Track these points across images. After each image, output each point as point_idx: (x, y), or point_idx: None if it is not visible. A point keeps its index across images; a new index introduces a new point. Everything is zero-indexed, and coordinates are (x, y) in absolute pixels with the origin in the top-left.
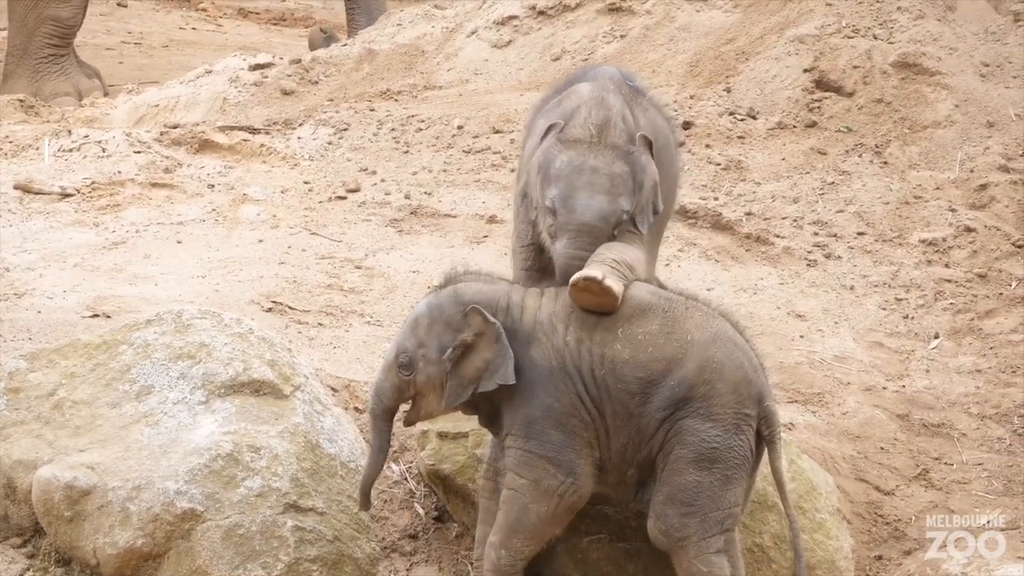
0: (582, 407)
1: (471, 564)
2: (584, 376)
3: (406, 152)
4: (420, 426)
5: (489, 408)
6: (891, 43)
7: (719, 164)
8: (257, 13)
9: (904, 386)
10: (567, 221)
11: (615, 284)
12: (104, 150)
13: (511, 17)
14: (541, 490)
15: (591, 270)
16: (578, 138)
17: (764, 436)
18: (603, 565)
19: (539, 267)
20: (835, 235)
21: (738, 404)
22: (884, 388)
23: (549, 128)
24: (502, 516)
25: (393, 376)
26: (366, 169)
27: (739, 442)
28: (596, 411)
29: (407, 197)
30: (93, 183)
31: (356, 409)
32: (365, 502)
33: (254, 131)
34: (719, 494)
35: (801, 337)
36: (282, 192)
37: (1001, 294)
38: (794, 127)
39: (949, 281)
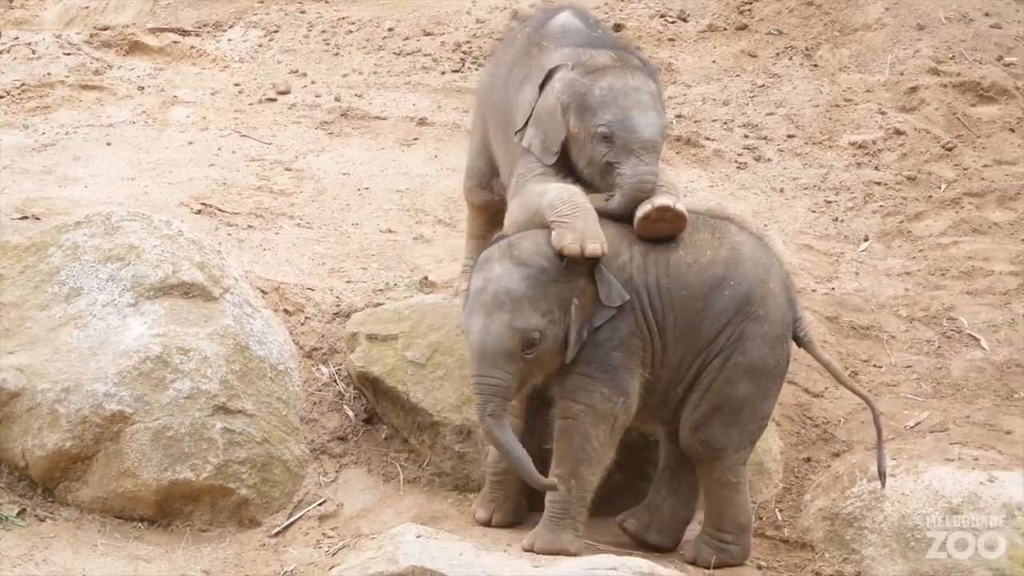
0: (644, 323)
1: (400, 466)
2: (650, 288)
3: (336, 54)
4: (350, 328)
5: None
6: None
7: None
8: None
9: (833, 288)
10: (630, 141)
11: (683, 207)
12: (34, 52)
13: None
14: (598, 414)
15: (660, 199)
16: (605, 65)
17: (801, 339)
18: None
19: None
20: (765, 138)
21: (786, 306)
22: (813, 290)
23: (551, 72)
24: (565, 447)
25: (515, 363)
26: (296, 71)
27: (784, 350)
28: (656, 326)
29: (337, 99)
30: (23, 85)
31: (285, 311)
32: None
33: (184, 33)
34: (759, 407)
35: None
36: (212, 94)
37: (931, 197)
38: (725, 30)
39: (879, 184)
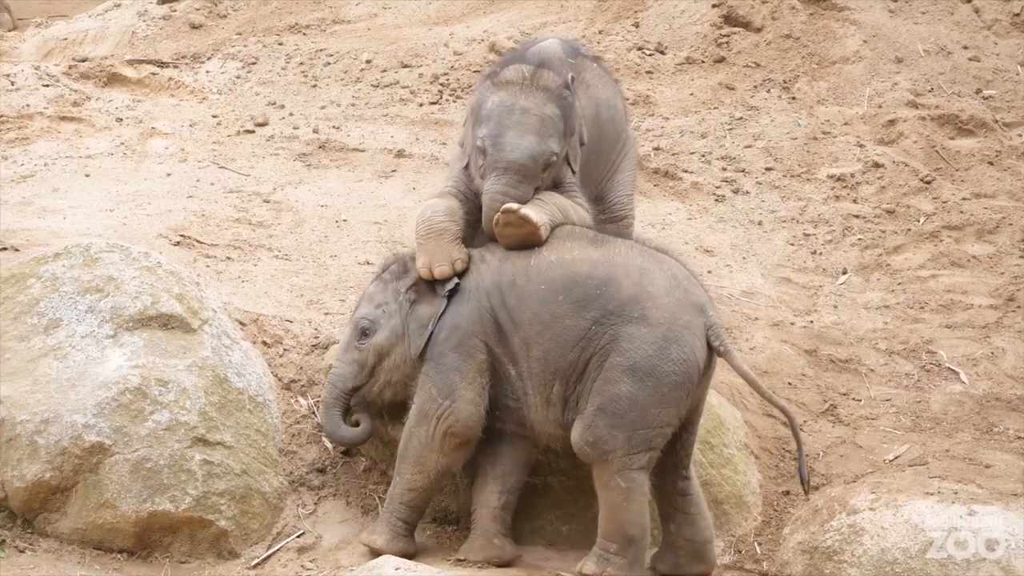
0: (491, 320)
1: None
2: (504, 288)
3: (314, 86)
4: (328, 360)
5: None
6: None
7: (627, 99)
8: None
9: (812, 321)
10: (495, 159)
11: (533, 212)
12: (13, 83)
13: None
14: (422, 413)
15: (509, 204)
16: (510, 80)
17: (716, 348)
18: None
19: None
20: (743, 170)
21: (675, 309)
22: (792, 323)
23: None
24: (399, 444)
25: (352, 353)
26: (274, 103)
27: (679, 354)
28: (511, 322)
29: (315, 131)
30: (2, 116)
31: (264, 343)
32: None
33: (162, 65)
34: (651, 411)
35: (709, 272)
36: (190, 126)
37: (909, 230)
38: (702, 62)
39: (857, 217)
